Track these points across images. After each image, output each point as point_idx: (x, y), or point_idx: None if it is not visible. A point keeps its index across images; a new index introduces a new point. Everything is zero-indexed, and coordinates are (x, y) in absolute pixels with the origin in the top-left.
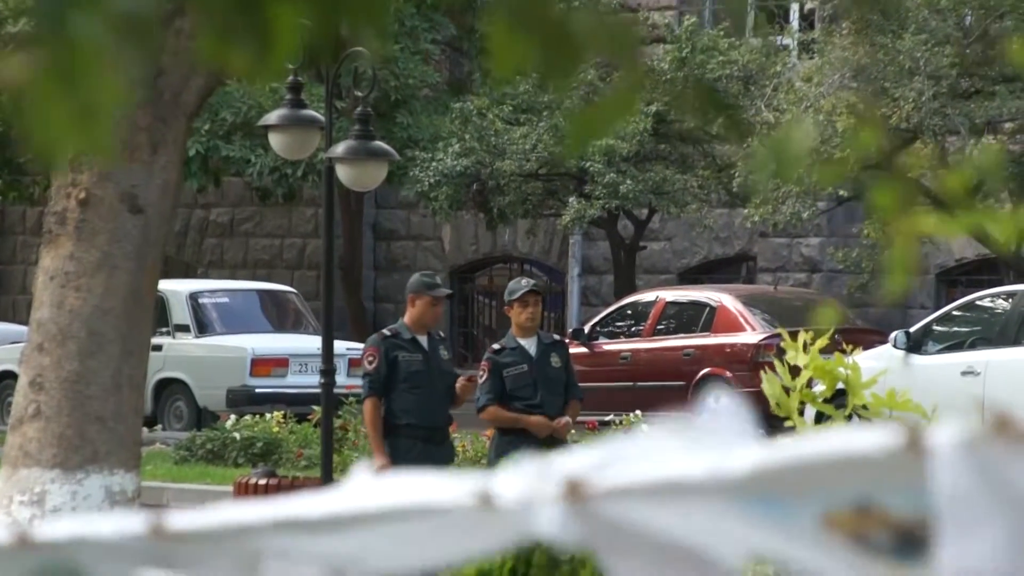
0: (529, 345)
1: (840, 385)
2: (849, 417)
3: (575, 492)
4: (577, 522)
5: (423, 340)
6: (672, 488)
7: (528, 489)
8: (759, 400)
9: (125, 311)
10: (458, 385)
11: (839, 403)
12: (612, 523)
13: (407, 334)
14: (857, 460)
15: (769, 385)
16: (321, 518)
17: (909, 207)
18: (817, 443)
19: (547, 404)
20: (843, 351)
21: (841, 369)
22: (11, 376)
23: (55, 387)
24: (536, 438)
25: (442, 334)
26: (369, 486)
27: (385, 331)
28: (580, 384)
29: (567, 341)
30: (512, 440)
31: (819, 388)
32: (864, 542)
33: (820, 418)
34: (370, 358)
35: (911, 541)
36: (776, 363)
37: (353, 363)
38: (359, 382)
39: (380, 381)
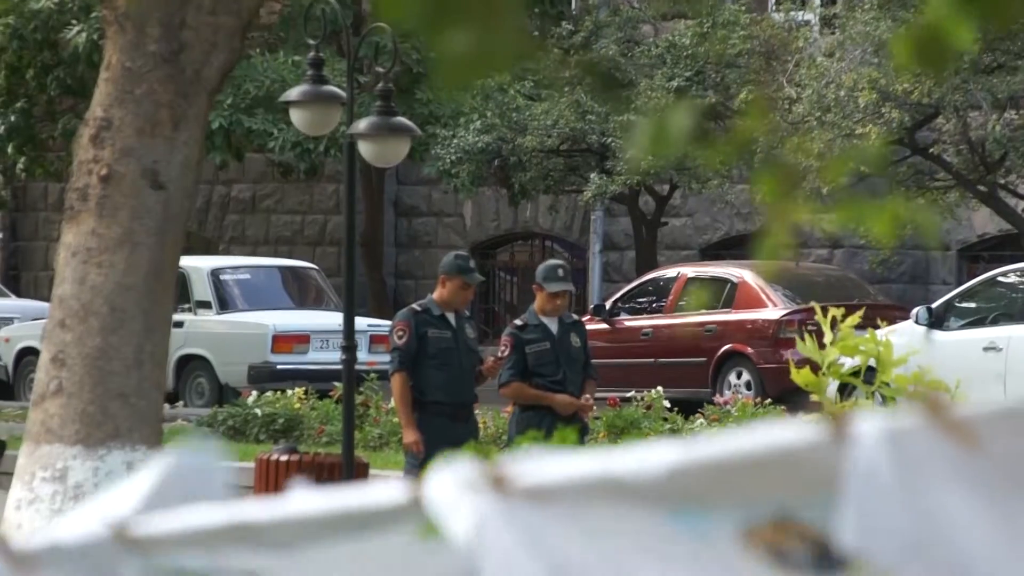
0: (551, 323)
1: (871, 362)
2: (873, 395)
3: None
4: (501, 520)
5: (451, 317)
6: (590, 488)
7: (454, 492)
8: (781, 375)
9: (147, 287)
10: (485, 366)
11: (865, 379)
12: (533, 522)
13: (436, 311)
14: (779, 459)
15: (797, 372)
16: (263, 526)
17: (789, 193)
18: (739, 442)
19: (569, 381)
20: (875, 327)
21: (874, 345)
22: (33, 352)
23: (77, 363)
24: (556, 414)
25: (468, 312)
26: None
27: (415, 306)
28: (601, 360)
29: (583, 318)
30: (533, 416)
31: (848, 363)
32: (783, 557)
33: (840, 392)
34: (400, 332)
35: (830, 556)
36: (806, 338)
37: (374, 339)
38: (380, 358)
39: (410, 356)
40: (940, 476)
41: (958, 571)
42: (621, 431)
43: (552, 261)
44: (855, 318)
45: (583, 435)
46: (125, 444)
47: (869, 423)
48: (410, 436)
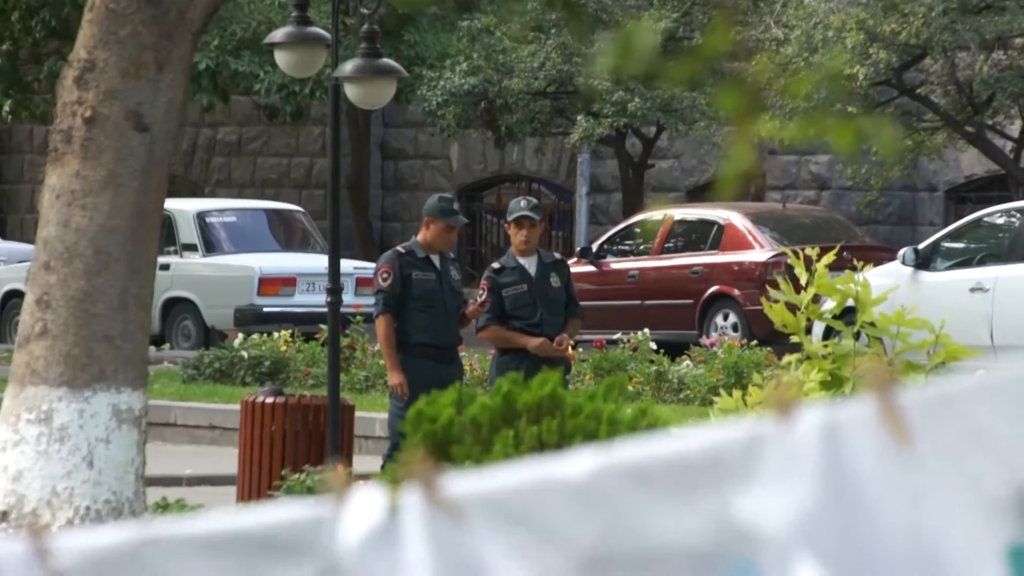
0: (529, 264)
1: (850, 302)
2: (857, 335)
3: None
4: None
5: (436, 260)
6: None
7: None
8: (767, 320)
9: (131, 229)
10: (468, 309)
11: (848, 320)
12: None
13: (421, 253)
14: (719, 457)
15: (772, 310)
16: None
17: (751, 113)
18: (683, 441)
19: (547, 324)
20: (853, 268)
21: (851, 286)
22: (18, 295)
23: (62, 305)
24: (536, 357)
25: (453, 255)
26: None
27: (400, 248)
28: (588, 303)
29: (569, 260)
30: (512, 359)
31: (828, 305)
32: None
33: (828, 335)
34: (384, 274)
35: None
36: (780, 281)
37: (360, 282)
38: (366, 301)
39: (394, 298)
40: (865, 466)
41: (855, 546)
42: (607, 373)
43: (515, 198)
44: (830, 257)
45: (566, 373)
46: (110, 386)
47: (810, 414)
48: (395, 378)
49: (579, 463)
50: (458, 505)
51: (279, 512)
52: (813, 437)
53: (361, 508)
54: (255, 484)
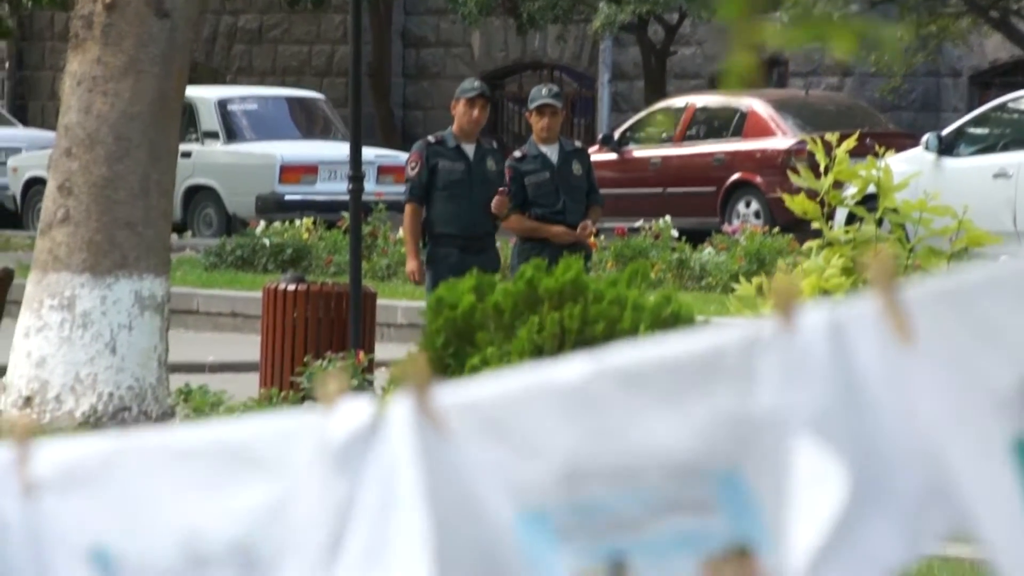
0: (550, 152)
1: (872, 189)
2: (879, 221)
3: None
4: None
5: (469, 149)
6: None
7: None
8: (788, 207)
9: (152, 116)
10: (493, 203)
11: (870, 207)
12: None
13: (452, 142)
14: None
15: (792, 201)
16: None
17: (752, 13)
18: (679, 345)
19: (569, 211)
20: (876, 154)
21: (873, 171)
22: (41, 182)
23: (84, 192)
24: (558, 245)
25: (495, 144)
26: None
27: (430, 137)
28: (610, 190)
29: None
30: (534, 247)
31: (850, 191)
32: None
33: (851, 220)
34: (412, 164)
35: None
36: (800, 167)
37: (382, 170)
38: (388, 189)
39: (420, 187)
40: (870, 366)
41: (862, 445)
42: (629, 260)
43: (536, 86)
44: (850, 142)
45: (587, 260)
46: (133, 273)
47: (815, 313)
48: (410, 264)
49: (571, 369)
50: (446, 417)
51: (260, 423)
52: (816, 336)
53: (347, 418)
54: (277, 371)
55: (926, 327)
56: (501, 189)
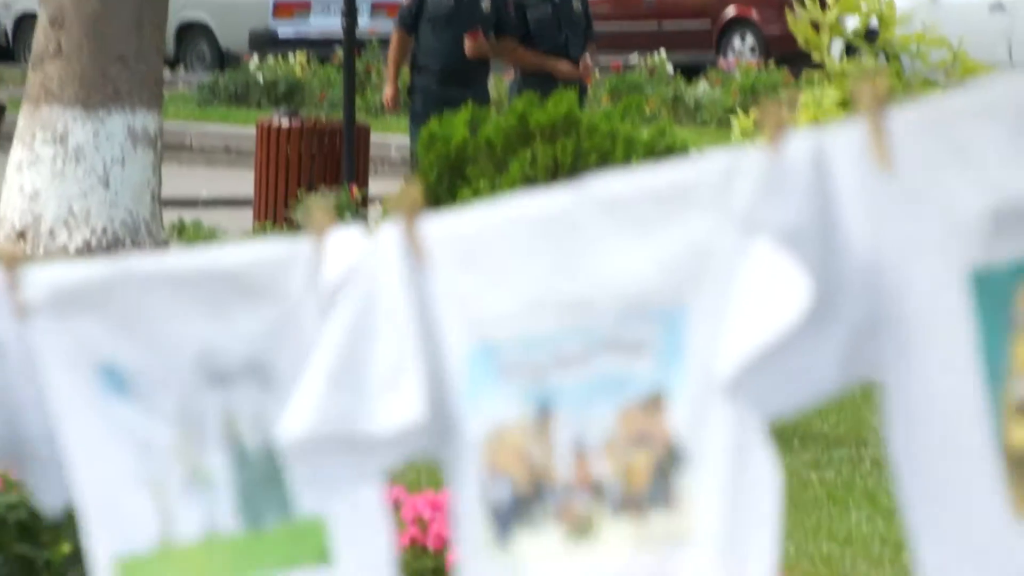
0: None
1: (873, 23)
2: (877, 55)
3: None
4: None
5: None
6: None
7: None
8: (786, 40)
9: None
10: (466, 46)
11: (870, 40)
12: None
13: None
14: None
15: (796, 23)
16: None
17: None
18: (659, 173)
19: (572, 45)
20: None
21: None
22: (32, 17)
23: (75, 25)
24: (556, 79)
25: None
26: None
27: None
28: (604, 24)
29: None
30: (534, 81)
31: (851, 23)
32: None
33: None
34: None
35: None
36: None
37: (376, 6)
38: (381, 25)
39: (409, 16)
40: (846, 190)
41: (823, 266)
42: (624, 95)
43: None
44: None
45: (582, 96)
46: (125, 107)
47: (801, 139)
48: (387, 90)
49: (551, 198)
50: (428, 248)
51: (252, 251)
52: (799, 159)
53: (336, 247)
54: (271, 206)
55: (905, 153)
56: (472, 32)
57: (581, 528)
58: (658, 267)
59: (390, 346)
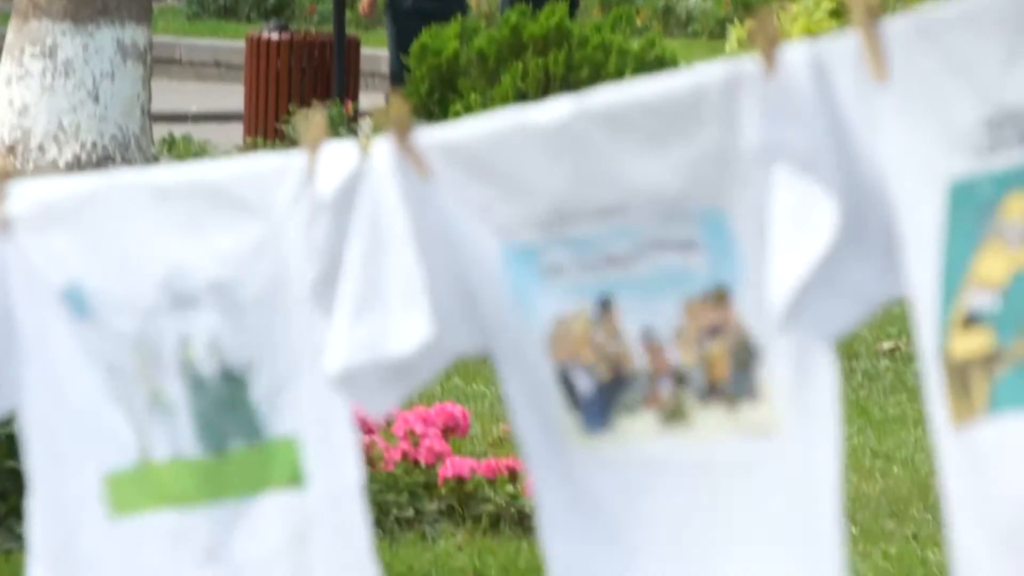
0: None
1: None
2: None
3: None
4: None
5: None
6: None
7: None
8: None
9: None
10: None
11: None
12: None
13: None
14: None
15: None
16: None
17: None
18: (662, 84)
19: None
20: None
21: None
22: None
23: None
24: None
25: None
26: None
27: None
28: None
29: None
30: None
31: None
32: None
33: None
34: None
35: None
36: None
37: None
38: None
39: None
40: (848, 103)
41: (845, 183)
42: (614, 6)
43: None
44: None
45: (573, 7)
46: (114, 20)
47: (796, 51)
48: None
49: (553, 111)
50: (428, 159)
51: (242, 165)
52: (798, 74)
53: (330, 161)
54: (261, 120)
55: (900, 63)
56: None
57: (673, 413)
58: (677, 174)
59: (400, 265)
